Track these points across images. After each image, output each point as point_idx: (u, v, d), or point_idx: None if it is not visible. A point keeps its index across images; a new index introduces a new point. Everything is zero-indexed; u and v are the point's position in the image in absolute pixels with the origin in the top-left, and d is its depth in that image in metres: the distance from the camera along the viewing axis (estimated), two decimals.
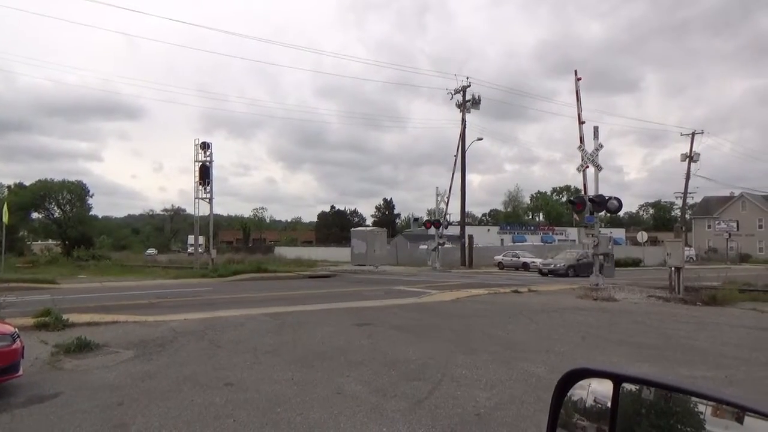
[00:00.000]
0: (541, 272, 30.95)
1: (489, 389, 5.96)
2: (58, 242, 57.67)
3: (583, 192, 19.82)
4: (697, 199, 68.88)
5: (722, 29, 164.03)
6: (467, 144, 40.76)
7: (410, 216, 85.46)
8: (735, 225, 60.82)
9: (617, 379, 1.35)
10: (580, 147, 19.75)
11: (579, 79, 20.80)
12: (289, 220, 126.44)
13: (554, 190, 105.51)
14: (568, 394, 1.44)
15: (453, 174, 39.82)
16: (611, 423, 1.32)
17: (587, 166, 19.47)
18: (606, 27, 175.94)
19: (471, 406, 5.34)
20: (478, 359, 7.53)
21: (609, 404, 1.34)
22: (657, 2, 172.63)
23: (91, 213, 61.42)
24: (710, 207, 71.52)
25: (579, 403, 1.42)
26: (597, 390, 1.40)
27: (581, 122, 20.06)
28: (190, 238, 47.68)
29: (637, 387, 1.34)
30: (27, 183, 59.23)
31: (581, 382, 1.43)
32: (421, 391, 5.85)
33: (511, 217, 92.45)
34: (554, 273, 29.74)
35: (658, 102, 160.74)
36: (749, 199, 67.46)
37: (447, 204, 40.13)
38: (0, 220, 20.78)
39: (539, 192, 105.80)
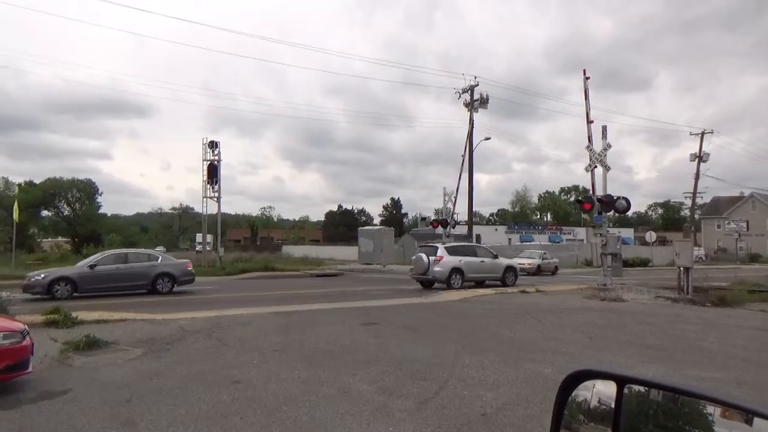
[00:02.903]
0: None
1: (495, 389, 5.96)
2: (68, 240, 58.25)
3: (591, 192, 19.71)
4: (707, 199, 68.31)
5: (735, 26, 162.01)
6: (475, 143, 40.64)
7: (418, 215, 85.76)
8: (745, 225, 60.20)
9: (621, 381, 1.35)
10: (588, 147, 19.64)
11: (588, 78, 20.68)
12: (296, 218, 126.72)
13: (562, 189, 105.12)
14: (572, 395, 1.44)
15: (461, 173, 39.66)
16: (615, 424, 1.32)
17: (595, 166, 19.36)
18: (617, 24, 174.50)
19: (477, 405, 5.34)
20: (485, 359, 7.52)
21: (613, 406, 1.34)
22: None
23: (100, 211, 62.05)
24: (720, 207, 70.93)
25: (583, 404, 1.42)
26: (601, 391, 1.40)
27: (589, 122, 19.93)
28: (198, 236, 47.91)
29: (645, 389, 1.34)
30: (37, 181, 59.86)
31: (586, 383, 1.43)
32: (428, 391, 5.85)
33: (519, 217, 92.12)
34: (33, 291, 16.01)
35: (668, 101, 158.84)
36: (759, 198, 66.79)
37: (454, 203, 40.00)
38: (11, 218, 21.03)
39: (547, 192, 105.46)
